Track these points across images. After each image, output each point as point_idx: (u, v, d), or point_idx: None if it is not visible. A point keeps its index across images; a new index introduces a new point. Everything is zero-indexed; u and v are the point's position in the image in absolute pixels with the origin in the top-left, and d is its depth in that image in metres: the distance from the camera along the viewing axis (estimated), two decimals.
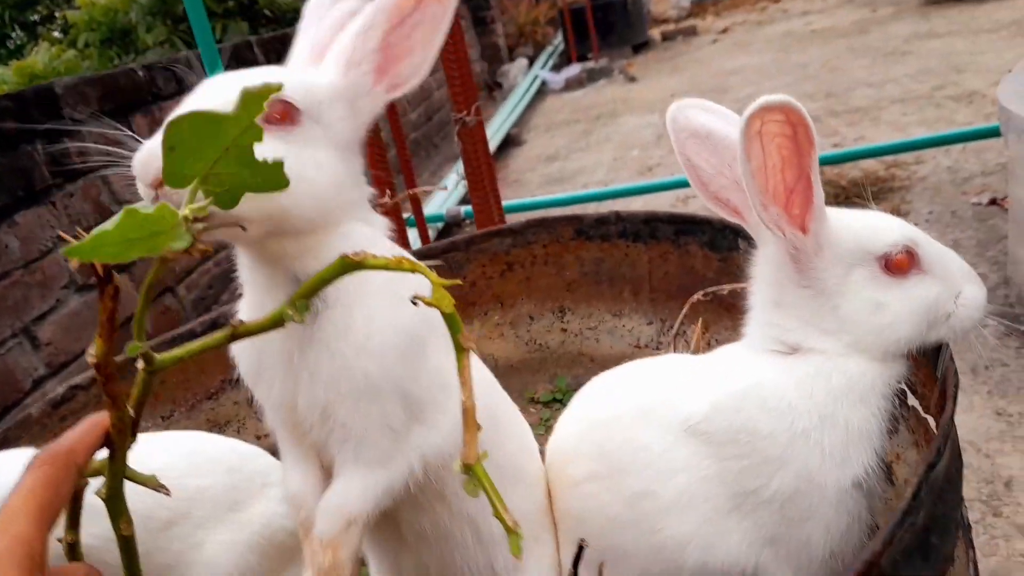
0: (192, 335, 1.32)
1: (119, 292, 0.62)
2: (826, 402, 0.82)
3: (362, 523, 0.84)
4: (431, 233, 4.31)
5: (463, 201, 4.60)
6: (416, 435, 0.86)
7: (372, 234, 0.89)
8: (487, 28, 9.15)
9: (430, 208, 4.77)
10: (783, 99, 0.77)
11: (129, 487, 1.00)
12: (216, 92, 0.82)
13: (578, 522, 0.96)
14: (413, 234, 2.85)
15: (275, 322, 0.63)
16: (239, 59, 4.09)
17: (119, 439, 0.70)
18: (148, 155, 0.76)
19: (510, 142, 6.69)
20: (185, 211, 0.60)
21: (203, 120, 0.55)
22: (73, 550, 0.85)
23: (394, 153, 2.57)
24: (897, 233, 0.86)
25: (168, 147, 0.56)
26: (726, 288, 1.09)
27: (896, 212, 3.77)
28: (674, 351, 1.21)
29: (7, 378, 2.42)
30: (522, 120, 7.44)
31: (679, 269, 1.39)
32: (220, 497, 1.11)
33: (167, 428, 1.34)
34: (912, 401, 0.96)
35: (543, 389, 1.59)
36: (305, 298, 0.62)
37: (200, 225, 0.59)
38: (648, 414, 0.92)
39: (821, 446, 0.81)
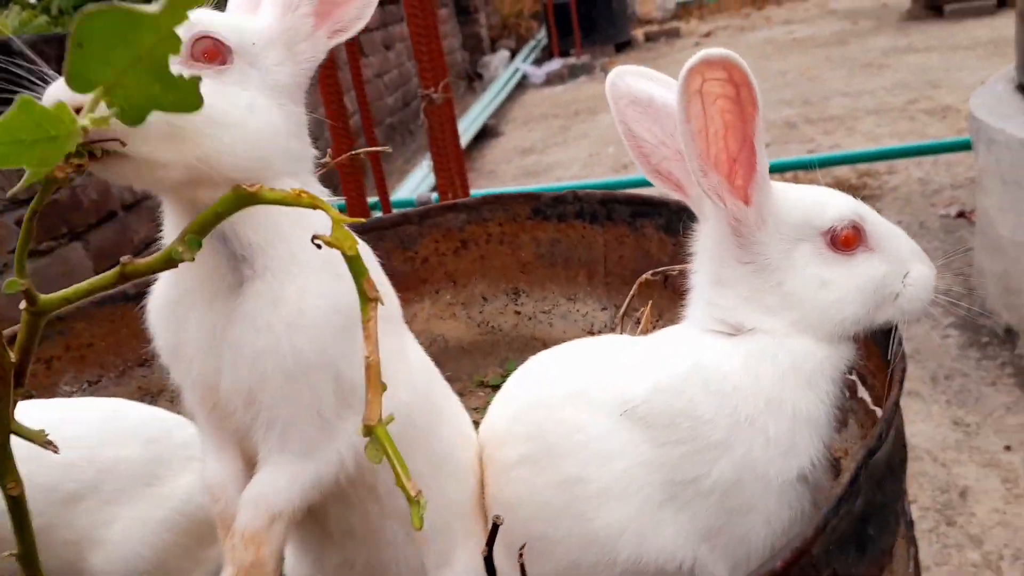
0: (124, 296, 1.26)
1: None
2: (772, 385, 0.77)
3: (287, 517, 0.77)
4: None
5: (436, 188, 4.54)
6: (349, 424, 0.78)
7: (315, 190, 0.82)
8: (470, 18, 9.08)
9: (402, 193, 4.70)
10: (724, 53, 0.71)
11: (33, 452, 0.94)
12: None
13: (508, 509, 0.89)
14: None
15: (166, 261, 0.57)
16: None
17: (1, 388, 0.64)
18: (58, 89, 0.68)
19: (487, 133, 6.64)
20: (84, 120, 0.54)
21: (120, 18, 0.48)
22: None
23: (363, 141, 2.51)
24: (844, 207, 0.81)
25: (76, 43, 0.50)
26: (676, 269, 1.05)
27: None
28: (621, 333, 1.17)
29: None
30: (500, 112, 7.39)
31: (635, 252, 1.35)
32: (136, 470, 1.03)
33: (94, 394, 1.27)
34: (862, 392, 0.92)
35: (493, 373, 1.54)
36: (196, 233, 0.56)
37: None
38: (584, 394, 0.86)
39: (766, 433, 0.76)
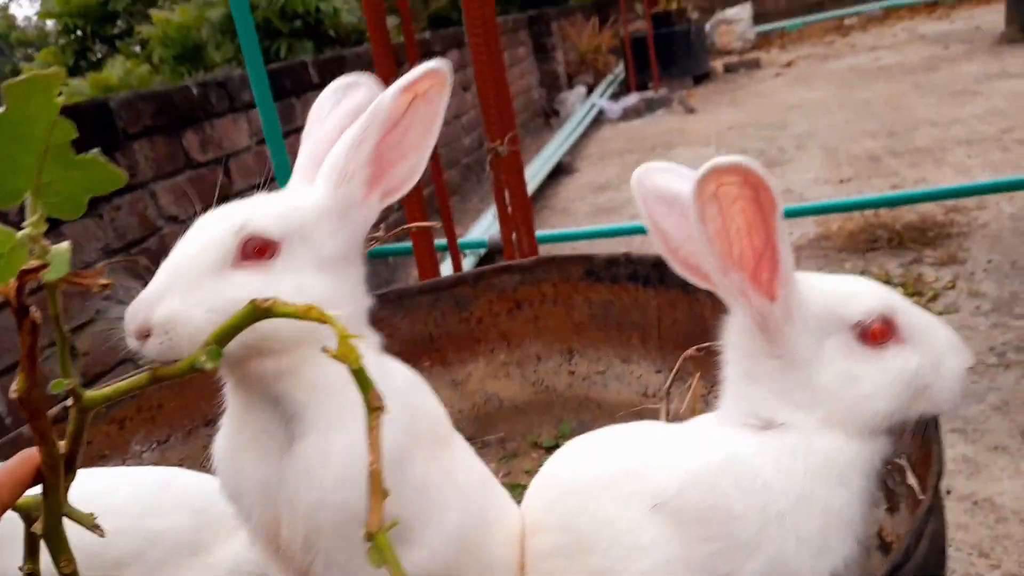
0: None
1: (38, 326, 0.61)
2: (804, 482, 0.76)
3: None
4: (472, 260, 4.31)
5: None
6: (401, 555, 0.83)
7: (367, 354, 0.87)
8: (547, 55, 9.20)
9: (474, 233, 4.77)
10: (737, 160, 0.72)
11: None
12: (205, 227, 0.83)
13: None
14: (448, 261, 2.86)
15: (191, 369, 0.61)
16: (294, 79, 4.18)
17: (51, 475, 0.69)
18: (136, 306, 0.77)
19: (562, 170, 6.67)
20: (26, 230, 0.58)
21: (4, 129, 0.52)
22: None
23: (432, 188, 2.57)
24: (872, 300, 0.81)
25: None
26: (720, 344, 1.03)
27: (953, 259, 3.63)
28: (665, 410, 1.16)
29: (45, 386, 2.49)
30: (576, 148, 7.42)
31: (688, 316, 1.34)
32: (182, 539, 1.07)
33: (163, 453, 1.34)
34: (911, 479, 0.89)
35: (547, 433, 1.55)
36: (218, 344, 0.60)
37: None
38: (616, 486, 0.86)
39: (797, 531, 0.75)
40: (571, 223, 5.35)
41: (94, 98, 2.89)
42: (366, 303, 0.89)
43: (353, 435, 0.78)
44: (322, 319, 0.57)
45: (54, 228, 2.59)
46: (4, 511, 0.68)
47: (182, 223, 3.39)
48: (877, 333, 0.79)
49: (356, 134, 0.83)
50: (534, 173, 6.11)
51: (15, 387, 0.62)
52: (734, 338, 0.86)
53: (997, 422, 2.61)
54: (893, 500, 0.91)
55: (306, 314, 0.58)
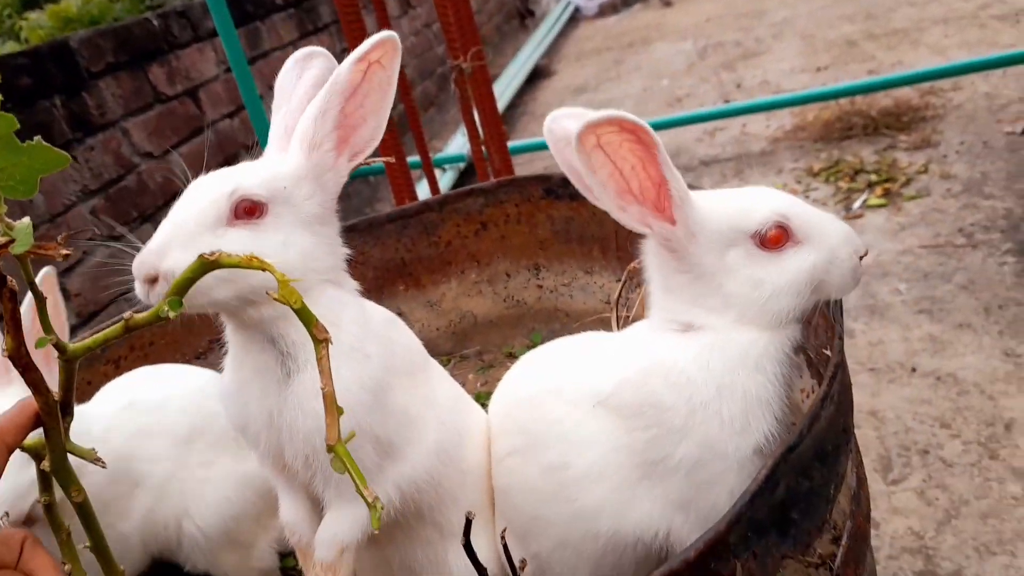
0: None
1: (15, 292, 0.68)
2: (723, 372, 0.85)
3: (354, 548, 0.95)
4: (452, 175, 4.33)
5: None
6: (389, 470, 0.95)
7: (340, 294, 0.97)
8: None
9: (452, 147, 4.77)
10: (608, 114, 0.79)
11: (159, 401, 1.26)
12: (198, 191, 0.92)
13: (504, 495, 1.02)
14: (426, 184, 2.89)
15: (156, 318, 0.69)
16: (256, 2, 4.10)
17: (49, 420, 0.78)
18: (143, 256, 0.86)
19: (539, 74, 6.59)
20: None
21: None
22: (49, 509, 0.95)
23: (401, 109, 2.58)
24: (766, 210, 0.87)
25: None
26: None
27: (927, 143, 3.67)
28: (615, 318, 1.25)
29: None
30: (552, 50, 7.30)
31: None
32: (226, 426, 1.21)
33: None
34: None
35: (520, 344, 1.64)
36: (176, 295, 0.68)
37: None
38: (561, 391, 0.96)
39: (720, 416, 0.84)
40: None
41: (54, 39, 2.85)
42: (343, 253, 0.99)
43: (339, 370, 0.88)
44: (262, 267, 0.65)
45: None
46: (10, 453, 0.76)
47: (157, 159, 3.39)
48: (774, 239, 0.86)
49: (320, 105, 0.91)
50: (510, 79, 6.03)
51: (3, 347, 0.70)
52: (650, 257, 0.94)
53: (963, 300, 2.71)
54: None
55: (248, 263, 0.65)
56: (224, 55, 3.59)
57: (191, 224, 0.88)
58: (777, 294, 0.86)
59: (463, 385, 1.27)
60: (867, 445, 2.27)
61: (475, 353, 1.67)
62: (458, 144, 4.73)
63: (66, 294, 2.70)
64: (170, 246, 0.86)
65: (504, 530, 0.84)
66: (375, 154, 1.30)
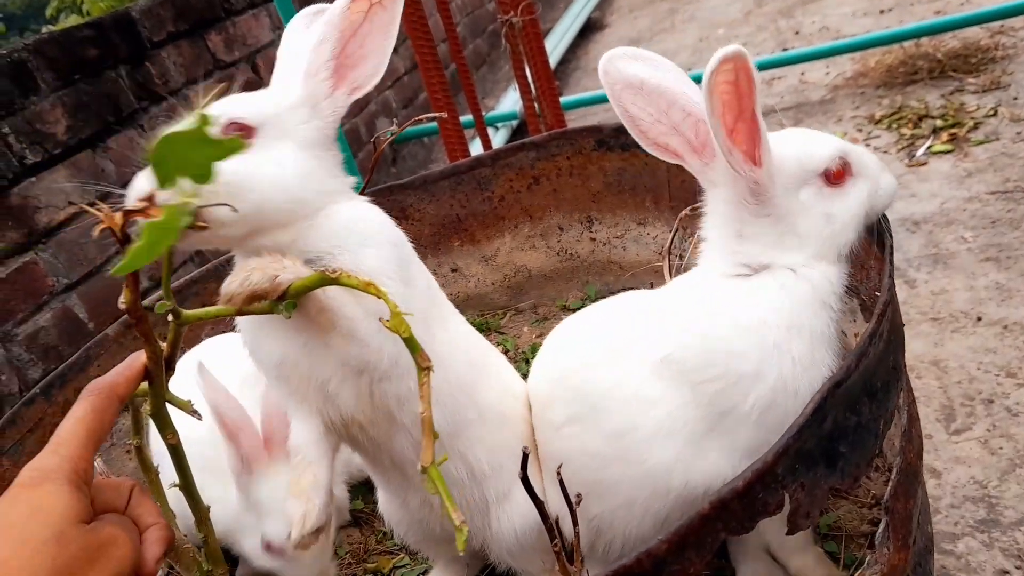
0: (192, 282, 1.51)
1: None
2: (792, 312, 0.88)
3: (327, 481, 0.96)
4: (505, 133, 4.34)
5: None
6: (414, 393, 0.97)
7: (355, 203, 0.99)
8: None
9: (505, 104, 4.76)
10: (735, 49, 0.80)
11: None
12: (191, 118, 0.95)
13: (561, 461, 1.02)
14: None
15: (270, 310, 0.76)
16: None
17: (155, 370, 0.85)
18: (142, 183, 0.89)
19: (591, 27, 6.49)
20: (180, 200, 0.72)
21: (177, 141, 0.67)
22: (140, 452, 1.03)
23: (453, 68, 2.58)
24: (832, 148, 0.92)
25: (154, 163, 0.69)
26: None
27: (996, 84, 3.52)
28: (668, 267, 1.25)
29: (114, 291, 2.70)
30: (605, 2, 7.17)
31: (694, 176, 1.40)
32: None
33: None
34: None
35: (574, 296, 1.66)
36: (292, 298, 0.75)
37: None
38: (619, 353, 0.98)
39: (791, 355, 0.87)
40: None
41: (115, 10, 2.93)
42: (350, 181, 1.01)
43: (365, 254, 0.92)
44: (377, 294, 0.72)
45: (101, 142, 2.73)
46: (124, 401, 0.83)
47: None
48: (838, 175, 0.92)
49: (318, 36, 0.95)
50: (562, 33, 5.96)
51: (123, 299, 0.76)
52: (719, 207, 0.97)
53: None
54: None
55: (365, 289, 0.71)
56: (279, 20, 3.64)
57: None
58: (845, 226, 0.92)
59: (518, 338, 1.31)
60: (929, 395, 2.24)
61: (530, 306, 1.70)
62: (510, 102, 4.72)
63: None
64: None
65: (560, 466, 0.87)
66: (423, 119, 1.34)
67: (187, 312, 0.81)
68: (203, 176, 0.70)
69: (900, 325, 0.86)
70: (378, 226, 0.97)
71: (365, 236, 0.93)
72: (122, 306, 0.79)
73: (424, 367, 0.72)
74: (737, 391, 0.88)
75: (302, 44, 1.01)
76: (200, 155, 0.68)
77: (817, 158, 0.91)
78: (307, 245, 0.92)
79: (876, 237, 0.95)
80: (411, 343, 0.73)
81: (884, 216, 0.94)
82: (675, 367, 0.92)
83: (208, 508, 1.10)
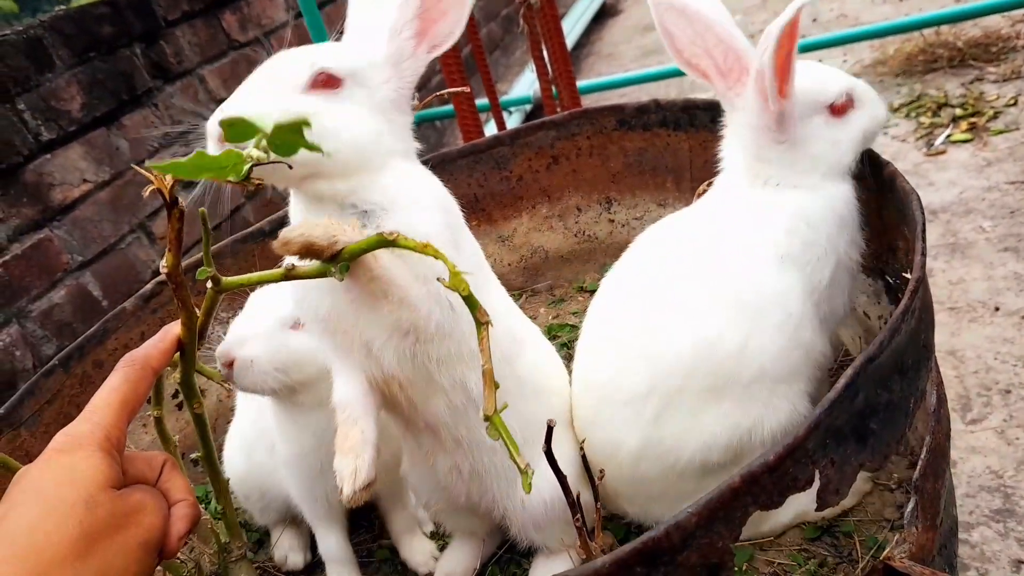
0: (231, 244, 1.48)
1: (184, 214, 0.74)
2: (837, 209, 1.08)
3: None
4: (519, 116, 4.32)
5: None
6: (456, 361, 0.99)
7: (413, 168, 1.00)
8: None
9: (518, 88, 4.74)
10: (799, 3, 0.94)
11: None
12: (278, 60, 0.95)
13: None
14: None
15: (320, 273, 0.75)
16: None
17: (188, 336, 0.84)
18: (217, 115, 0.89)
19: (605, 12, 6.45)
20: (250, 151, 0.71)
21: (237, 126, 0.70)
22: (159, 423, 1.03)
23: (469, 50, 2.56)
24: (842, 83, 1.09)
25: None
26: None
27: (1016, 74, 3.48)
28: None
29: (128, 269, 2.71)
30: None
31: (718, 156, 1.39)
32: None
33: (226, 325, 1.50)
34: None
35: (591, 279, 1.65)
36: (347, 260, 0.74)
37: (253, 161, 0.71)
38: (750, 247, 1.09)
39: (844, 238, 1.07)
40: (618, 68, 5.24)
41: None
42: (414, 146, 1.02)
43: (416, 220, 0.92)
44: (436, 255, 0.73)
45: (115, 120, 2.72)
46: (158, 373, 0.83)
47: None
48: (844, 106, 1.09)
49: None
50: (576, 18, 5.92)
51: (164, 263, 0.76)
52: (741, 131, 1.11)
53: None
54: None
55: (423, 250, 0.71)
56: (294, 1, 3.62)
57: (272, 85, 0.91)
58: (849, 150, 1.09)
59: (534, 319, 1.30)
60: (946, 385, 2.22)
61: (546, 288, 1.69)
62: (524, 85, 4.70)
63: (151, 237, 2.83)
64: (247, 103, 0.89)
65: (583, 441, 0.86)
66: (445, 100, 1.32)
67: (227, 279, 0.80)
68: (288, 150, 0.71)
69: (930, 304, 0.85)
70: (432, 190, 0.98)
71: (419, 198, 0.94)
72: (164, 269, 0.78)
73: (484, 322, 0.73)
74: (824, 265, 1.06)
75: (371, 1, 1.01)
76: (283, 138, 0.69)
77: (829, 92, 1.08)
78: (363, 196, 0.92)
79: (904, 216, 0.95)
80: (470, 300, 0.73)
81: (917, 196, 0.98)
82: (786, 257, 1.06)
83: (227, 480, 1.10)
